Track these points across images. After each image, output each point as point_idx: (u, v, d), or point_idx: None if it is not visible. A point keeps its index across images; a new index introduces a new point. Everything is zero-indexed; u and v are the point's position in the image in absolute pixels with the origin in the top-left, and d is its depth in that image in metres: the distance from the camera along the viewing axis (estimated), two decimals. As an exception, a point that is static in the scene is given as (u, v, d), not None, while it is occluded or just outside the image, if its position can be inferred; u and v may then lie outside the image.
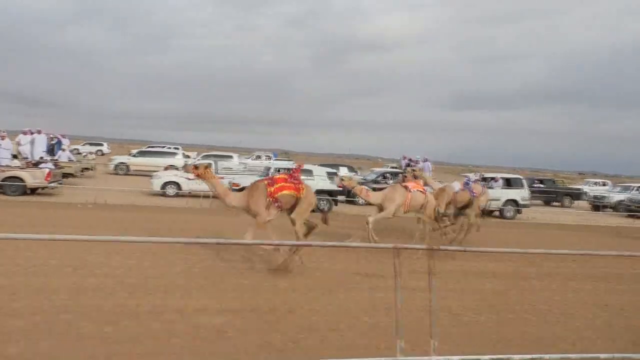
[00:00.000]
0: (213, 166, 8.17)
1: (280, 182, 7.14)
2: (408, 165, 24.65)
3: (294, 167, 7.92)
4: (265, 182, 7.24)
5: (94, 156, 26.14)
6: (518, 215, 18.33)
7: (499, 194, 17.88)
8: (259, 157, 35.23)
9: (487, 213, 16.62)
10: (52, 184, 15.17)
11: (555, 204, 24.88)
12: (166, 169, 20.19)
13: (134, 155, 26.08)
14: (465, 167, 74.01)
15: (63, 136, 22.41)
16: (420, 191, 9.39)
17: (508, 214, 17.94)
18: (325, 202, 15.31)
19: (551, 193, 24.92)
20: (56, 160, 17.90)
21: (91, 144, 40.76)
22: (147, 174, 19.94)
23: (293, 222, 7.31)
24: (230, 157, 27.05)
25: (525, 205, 18.59)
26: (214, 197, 10.03)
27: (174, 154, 27.06)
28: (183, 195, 16.66)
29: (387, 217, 9.16)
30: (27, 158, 17.04)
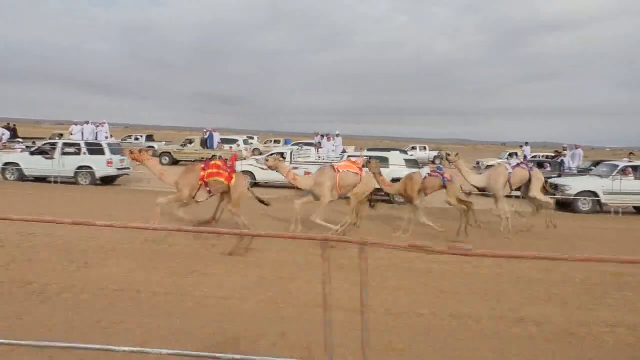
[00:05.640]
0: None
1: (213, 168, 7.52)
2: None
3: (232, 154, 8.26)
4: (202, 165, 7.65)
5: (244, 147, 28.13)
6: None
7: (636, 187, 13.78)
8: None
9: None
10: None
11: None
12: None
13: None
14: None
15: (214, 130, 25.02)
16: (353, 171, 8.47)
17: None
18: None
19: None
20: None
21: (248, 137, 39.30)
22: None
23: (232, 213, 7.56)
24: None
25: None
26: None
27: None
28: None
29: (324, 204, 8.27)
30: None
